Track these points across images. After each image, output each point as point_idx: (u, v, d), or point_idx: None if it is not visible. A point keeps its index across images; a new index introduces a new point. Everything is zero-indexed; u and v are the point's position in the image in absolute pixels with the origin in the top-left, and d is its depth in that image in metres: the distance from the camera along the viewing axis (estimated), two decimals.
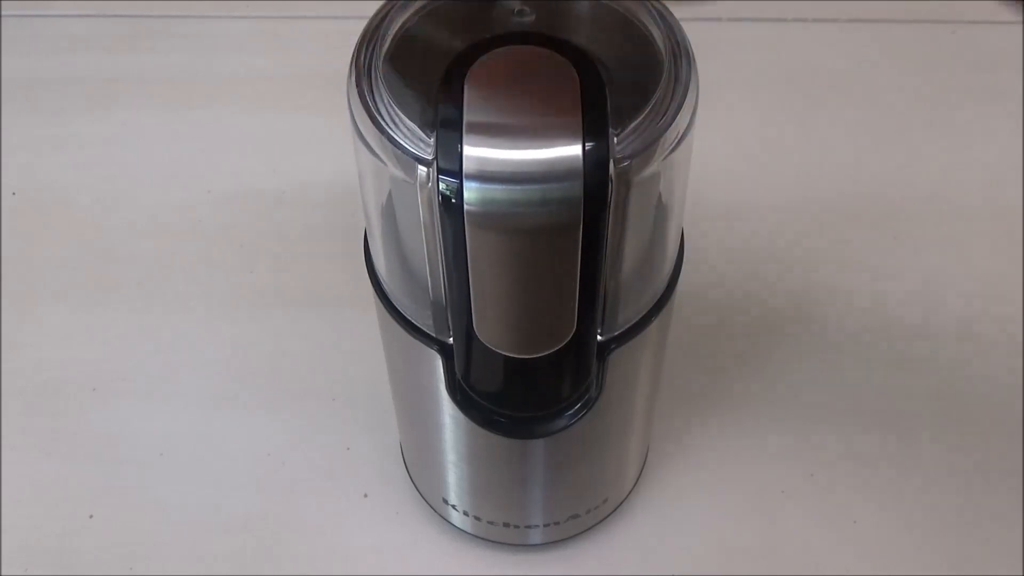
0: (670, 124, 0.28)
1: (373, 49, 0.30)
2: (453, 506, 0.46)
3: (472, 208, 0.27)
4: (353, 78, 0.29)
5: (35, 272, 0.59)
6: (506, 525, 0.46)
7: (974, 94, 0.67)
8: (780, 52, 0.69)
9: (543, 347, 0.32)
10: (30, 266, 0.59)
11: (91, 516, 0.50)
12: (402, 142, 0.28)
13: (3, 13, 0.72)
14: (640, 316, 0.35)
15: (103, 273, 0.59)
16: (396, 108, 0.28)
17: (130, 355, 0.55)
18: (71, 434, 0.53)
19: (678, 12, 0.31)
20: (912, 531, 0.49)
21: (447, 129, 0.27)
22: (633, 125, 0.28)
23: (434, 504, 0.48)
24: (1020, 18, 0.70)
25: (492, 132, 0.27)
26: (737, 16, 0.71)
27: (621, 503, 0.49)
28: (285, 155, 0.64)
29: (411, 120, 0.28)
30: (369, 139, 0.29)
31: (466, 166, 0.26)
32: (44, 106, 0.67)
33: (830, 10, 0.72)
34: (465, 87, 0.27)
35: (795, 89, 0.67)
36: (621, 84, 0.28)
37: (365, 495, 0.50)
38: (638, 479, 0.50)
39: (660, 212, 0.32)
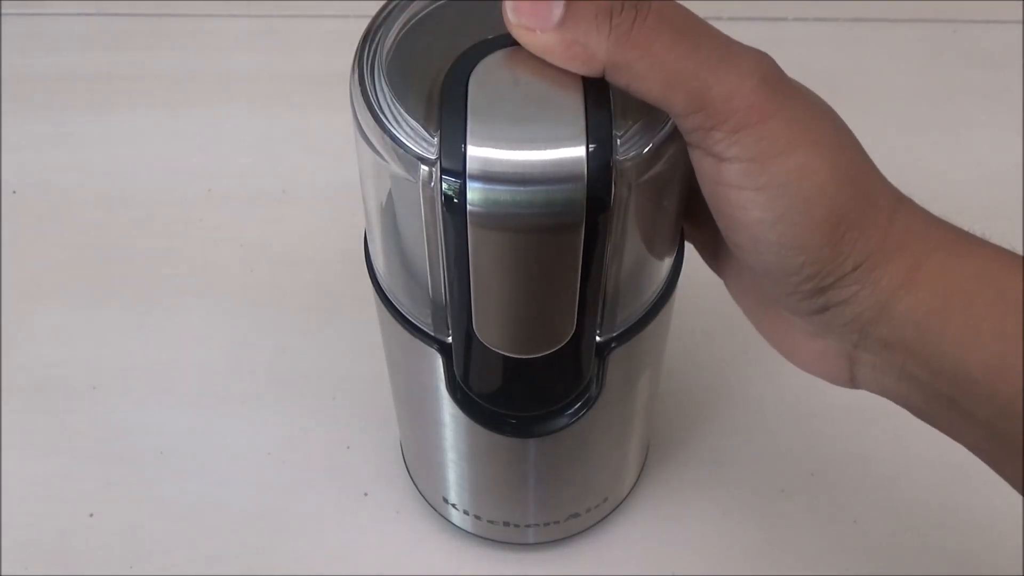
0: (672, 126, 0.29)
1: (376, 47, 0.30)
2: (453, 505, 0.46)
3: (475, 208, 0.27)
4: (356, 76, 0.29)
5: (35, 271, 0.59)
6: (506, 524, 0.46)
7: (974, 94, 0.67)
8: (780, 52, 0.69)
9: (543, 347, 0.32)
10: (30, 265, 0.59)
11: (91, 515, 0.50)
12: (405, 140, 0.28)
13: (3, 11, 0.72)
14: (640, 316, 0.35)
15: (103, 272, 0.59)
16: (399, 106, 0.28)
17: (130, 354, 0.55)
18: (71, 432, 0.53)
19: None
20: (912, 531, 0.49)
21: (450, 129, 0.27)
22: (636, 127, 0.28)
23: (434, 503, 0.48)
24: (1020, 18, 0.71)
25: (495, 133, 0.27)
26: (737, 16, 0.71)
27: (621, 502, 0.49)
28: (285, 155, 0.64)
29: (414, 119, 0.28)
30: (371, 137, 0.29)
31: (470, 166, 0.27)
32: (44, 104, 0.67)
33: (830, 10, 0.72)
34: (469, 87, 0.27)
35: None
36: None
37: (365, 494, 0.50)
38: (638, 478, 0.50)
39: (661, 212, 0.32)
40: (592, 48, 0.27)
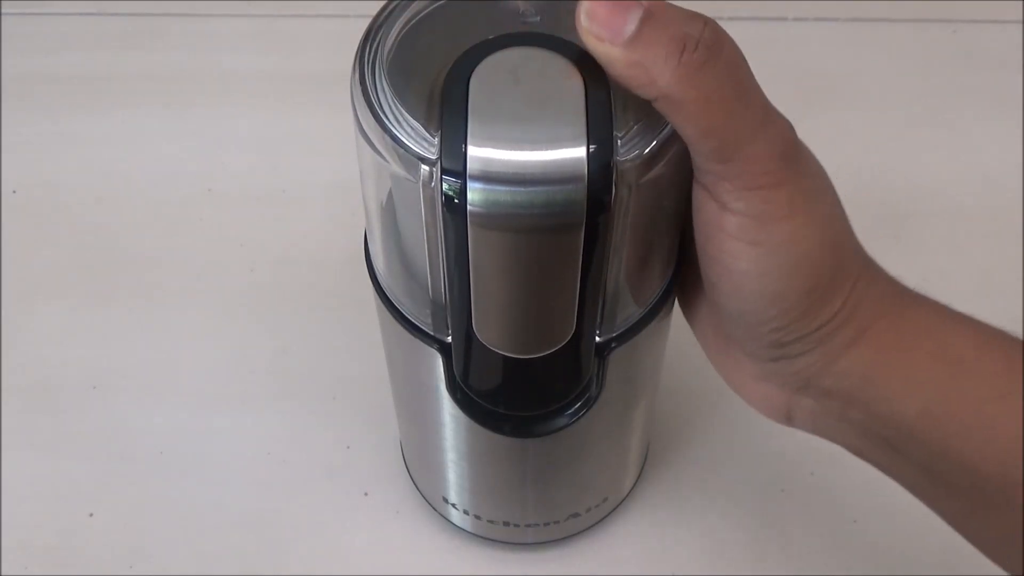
0: (673, 128, 0.29)
1: (377, 47, 0.30)
2: (453, 505, 0.46)
3: (475, 209, 0.27)
4: (357, 76, 0.29)
5: (35, 271, 0.59)
6: (506, 524, 0.46)
7: (974, 94, 0.67)
8: (780, 52, 0.69)
9: (542, 347, 0.32)
10: (30, 265, 0.59)
11: (91, 514, 0.50)
12: (405, 140, 0.28)
13: (4, 11, 0.72)
14: (640, 316, 0.35)
15: (103, 271, 0.59)
16: (400, 106, 0.28)
17: (130, 353, 0.55)
18: (71, 432, 0.53)
19: None
20: (912, 531, 0.49)
21: (451, 129, 0.27)
22: (636, 128, 0.28)
23: (434, 503, 0.48)
24: (1020, 18, 0.71)
25: (496, 133, 0.27)
26: (737, 16, 0.71)
27: (621, 502, 0.49)
28: (285, 155, 0.64)
29: (415, 119, 0.28)
30: (372, 137, 0.29)
31: (470, 167, 0.26)
32: (44, 104, 0.67)
33: (830, 10, 0.72)
34: (470, 87, 0.27)
35: (795, 89, 0.67)
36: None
37: (365, 493, 0.51)
38: (638, 478, 0.50)
39: (661, 213, 0.32)
40: (654, 75, 0.26)
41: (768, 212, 0.29)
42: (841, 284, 0.31)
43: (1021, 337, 0.32)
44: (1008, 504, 0.30)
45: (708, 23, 0.27)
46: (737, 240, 0.29)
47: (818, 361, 0.32)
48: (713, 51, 0.26)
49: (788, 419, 0.35)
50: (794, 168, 0.29)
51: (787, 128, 0.29)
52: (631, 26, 0.26)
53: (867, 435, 0.33)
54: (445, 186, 0.27)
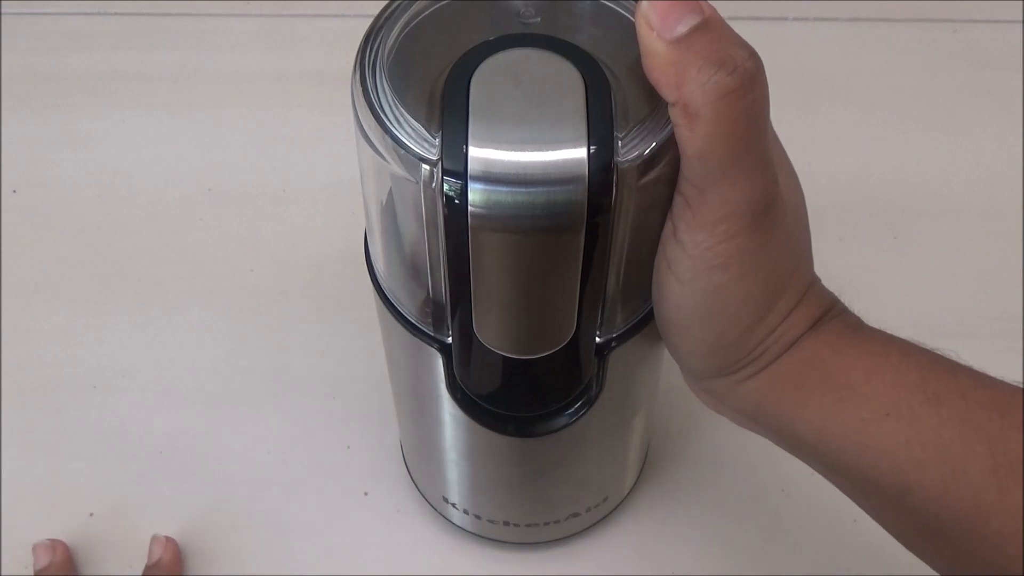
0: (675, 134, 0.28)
1: (378, 48, 0.30)
2: (453, 504, 0.46)
3: (476, 209, 0.27)
4: (357, 76, 0.29)
5: (35, 270, 0.59)
6: (506, 523, 0.46)
7: (974, 94, 0.67)
8: (780, 52, 0.69)
9: (543, 348, 0.32)
10: (30, 264, 0.59)
11: (91, 514, 0.50)
12: (406, 141, 0.28)
13: (3, 11, 0.72)
14: (640, 316, 0.35)
15: (103, 271, 0.59)
16: (400, 107, 0.28)
17: (130, 353, 0.55)
18: (71, 432, 0.53)
19: None
20: None
21: (452, 130, 0.27)
22: (637, 128, 0.28)
23: (434, 502, 0.48)
24: (1020, 18, 0.71)
25: (497, 134, 0.27)
26: (737, 16, 0.70)
27: (621, 502, 0.49)
28: (285, 154, 0.64)
29: (415, 119, 0.28)
30: (372, 138, 0.29)
31: (471, 167, 0.26)
32: (45, 104, 0.67)
33: (830, 10, 0.72)
34: (470, 88, 0.27)
35: (795, 89, 0.67)
36: (625, 87, 0.29)
37: (365, 493, 0.51)
38: (638, 478, 0.50)
39: (661, 213, 0.32)
40: (683, 81, 0.26)
41: (705, 258, 0.29)
42: (752, 335, 0.32)
43: (934, 349, 0.33)
44: (905, 504, 0.32)
45: (753, 55, 0.27)
46: (669, 270, 0.30)
47: (719, 387, 0.34)
48: (746, 83, 0.26)
49: (717, 411, 0.37)
50: (752, 227, 0.29)
51: (772, 185, 0.29)
52: (683, 28, 0.26)
53: (780, 440, 0.35)
54: (446, 187, 0.27)
